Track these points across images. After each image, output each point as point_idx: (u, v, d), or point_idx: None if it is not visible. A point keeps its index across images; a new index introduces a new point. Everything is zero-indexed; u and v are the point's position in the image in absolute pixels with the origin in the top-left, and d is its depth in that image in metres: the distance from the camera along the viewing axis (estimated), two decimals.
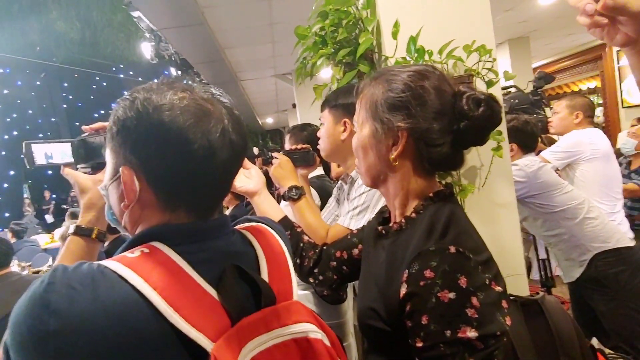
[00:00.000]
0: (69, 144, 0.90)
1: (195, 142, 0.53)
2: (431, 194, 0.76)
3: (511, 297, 1.28)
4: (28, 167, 0.90)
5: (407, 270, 0.66)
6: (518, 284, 1.36)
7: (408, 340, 0.67)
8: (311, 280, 1.03)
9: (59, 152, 0.91)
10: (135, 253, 0.52)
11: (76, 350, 0.43)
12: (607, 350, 1.95)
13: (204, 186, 0.57)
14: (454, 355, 0.61)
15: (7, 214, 9.89)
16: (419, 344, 0.64)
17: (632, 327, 1.78)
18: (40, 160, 0.89)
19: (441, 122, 0.73)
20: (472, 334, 0.60)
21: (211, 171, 0.56)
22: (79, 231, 0.81)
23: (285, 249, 0.68)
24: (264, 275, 0.60)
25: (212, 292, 0.53)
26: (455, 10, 1.32)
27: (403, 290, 0.66)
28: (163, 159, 0.54)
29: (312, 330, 0.58)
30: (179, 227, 0.56)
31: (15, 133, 10.68)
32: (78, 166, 0.89)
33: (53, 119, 11.88)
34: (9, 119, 10.86)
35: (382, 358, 0.77)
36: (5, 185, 10.66)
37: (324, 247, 1.04)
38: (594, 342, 1.97)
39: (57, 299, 0.44)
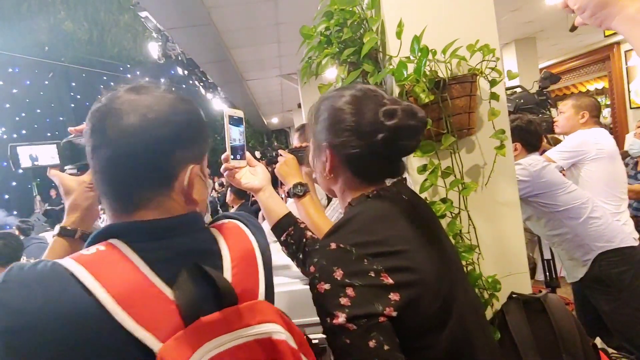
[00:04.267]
0: (55, 145, 0.90)
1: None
2: (350, 200, 0.84)
3: (514, 295, 1.30)
4: (14, 169, 0.89)
5: None
6: (521, 282, 1.37)
7: None
8: None
9: (45, 154, 0.90)
10: (90, 250, 0.52)
11: (27, 347, 0.44)
12: (610, 350, 1.95)
13: (124, 175, 0.58)
14: (335, 341, 0.66)
15: (15, 212, 10.00)
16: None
17: (636, 326, 1.77)
18: (25, 162, 0.88)
19: (357, 137, 0.79)
20: (342, 319, 0.65)
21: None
22: (63, 232, 0.80)
23: (256, 246, 0.67)
24: (227, 274, 0.59)
25: (168, 291, 0.52)
26: (459, 10, 1.33)
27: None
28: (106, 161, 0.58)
29: (276, 331, 0.57)
30: (138, 224, 0.56)
31: (24, 132, 10.79)
32: (65, 168, 0.89)
33: (61, 118, 11.98)
34: (17, 118, 10.98)
35: None
36: (14, 183, 10.78)
37: None
38: (598, 341, 1.97)
39: (9, 296, 0.45)
